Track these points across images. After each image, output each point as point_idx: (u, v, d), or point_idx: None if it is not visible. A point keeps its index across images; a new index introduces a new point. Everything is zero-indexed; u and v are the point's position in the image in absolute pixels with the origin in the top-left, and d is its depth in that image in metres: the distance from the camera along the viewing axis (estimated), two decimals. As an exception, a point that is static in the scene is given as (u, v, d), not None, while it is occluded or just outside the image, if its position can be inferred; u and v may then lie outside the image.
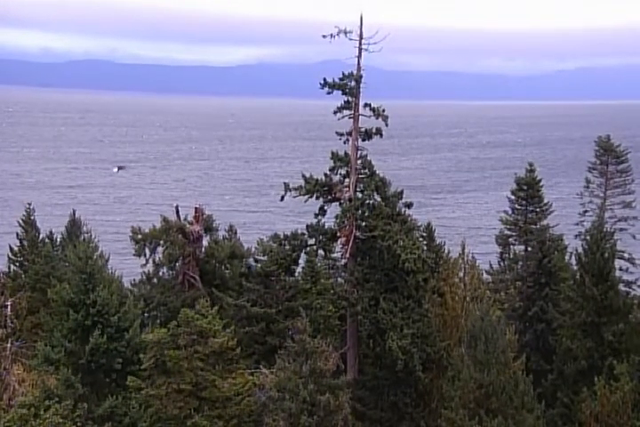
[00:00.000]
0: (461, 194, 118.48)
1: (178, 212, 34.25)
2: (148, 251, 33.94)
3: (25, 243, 38.51)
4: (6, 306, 28.58)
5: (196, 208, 34.81)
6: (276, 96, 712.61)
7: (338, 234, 30.07)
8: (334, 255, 31.70)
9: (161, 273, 34.61)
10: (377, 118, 29.87)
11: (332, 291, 30.68)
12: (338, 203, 30.31)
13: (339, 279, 32.18)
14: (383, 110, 29.67)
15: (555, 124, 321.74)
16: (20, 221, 39.19)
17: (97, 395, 26.09)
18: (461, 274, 30.82)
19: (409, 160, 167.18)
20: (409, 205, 30.10)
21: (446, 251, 32.14)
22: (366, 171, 30.14)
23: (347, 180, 30.16)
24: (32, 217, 39.16)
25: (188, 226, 33.77)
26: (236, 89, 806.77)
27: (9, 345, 26.46)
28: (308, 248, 30.85)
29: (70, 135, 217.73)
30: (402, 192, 30.16)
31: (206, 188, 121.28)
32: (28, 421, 22.17)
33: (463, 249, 30.84)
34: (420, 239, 30.33)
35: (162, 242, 33.67)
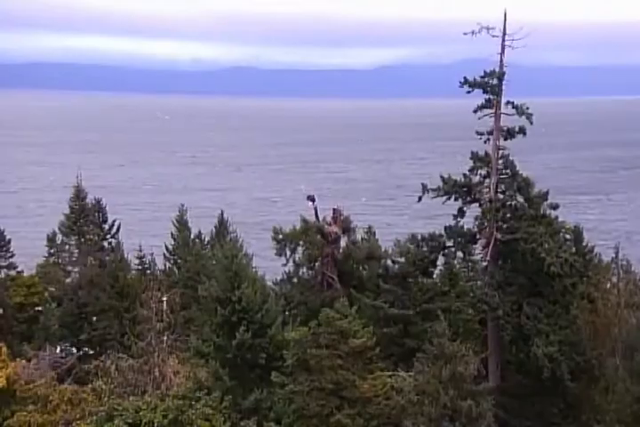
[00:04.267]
0: (612, 195, 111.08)
1: (317, 213, 34.70)
2: (288, 251, 34.68)
3: (179, 242, 40.82)
4: (162, 301, 30.18)
5: (334, 209, 35.14)
6: (417, 97, 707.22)
7: (477, 236, 29.47)
8: (474, 258, 30.86)
9: (301, 273, 35.25)
10: (520, 116, 28.77)
11: (471, 294, 30.05)
12: (477, 204, 29.66)
13: (478, 282, 31.26)
14: (527, 108, 28.50)
15: None
16: (174, 222, 41.57)
17: (243, 388, 26.99)
18: (615, 279, 28.84)
19: (554, 159, 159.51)
20: (555, 207, 28.73)
21: (597, 255, 30.22)
22: (508, 171, 29.35)
23: (487, 180, 29.50)
24: (184, 217, 41.45)
25: (326, 227, 34.12)
26: (377, 91, 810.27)
27: (165, 338, 27.90)
28: (447, 250, 30.41)
29: (217, 139, 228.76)
30: (547, 193, 28.94)
31: (342, 189, 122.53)
32: (185, 411, 23.35)
33: (617, 253, 28.97)
34: (568, 242, 28.75)
35: (301, 242, 34.25)
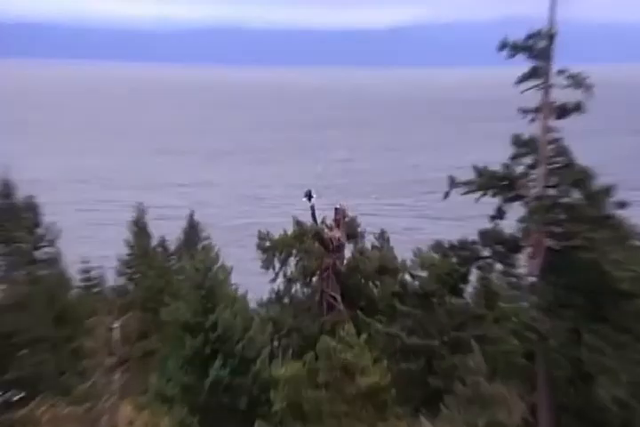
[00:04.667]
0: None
1: (314, 213, 34.62)
2: (277, 262, 34.72)
3: (136, 251, 40.56)
4: (114, 329, 29.87)
5: (336, 209, 35.27)
6: (438, 64, 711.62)
7: (522, 243, 29.53)
8: (517, 271, 30.82)
9: (293, 291, 35.36)
10: (577, 89, 28.66)
11: (514, 319, 29.90)
12: (522, 202, 29.74)
13: (524, 303, 31.19)
14: (585, 77, 28.42)
15: None
16: (130, 225, 41.25)
17: (217, 442, 26.88)
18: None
19: (617, 143, 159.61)
20: (623, 205, 28.58)
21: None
22: (561, 159, 29.39)
23: (534, 171, 29.56)
24: (143, 220, 41.21)
25: (326, 231, 34.15)
26: (391, 57, 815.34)
27: (117, 377, 27.61)
28: (482, 261, 30.57)
29: (187, 120, 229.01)
30: (612, 187, 28.77)
31: (347, 184, 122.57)
32: None
33: None
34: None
35: (294, 251, 34.38)
